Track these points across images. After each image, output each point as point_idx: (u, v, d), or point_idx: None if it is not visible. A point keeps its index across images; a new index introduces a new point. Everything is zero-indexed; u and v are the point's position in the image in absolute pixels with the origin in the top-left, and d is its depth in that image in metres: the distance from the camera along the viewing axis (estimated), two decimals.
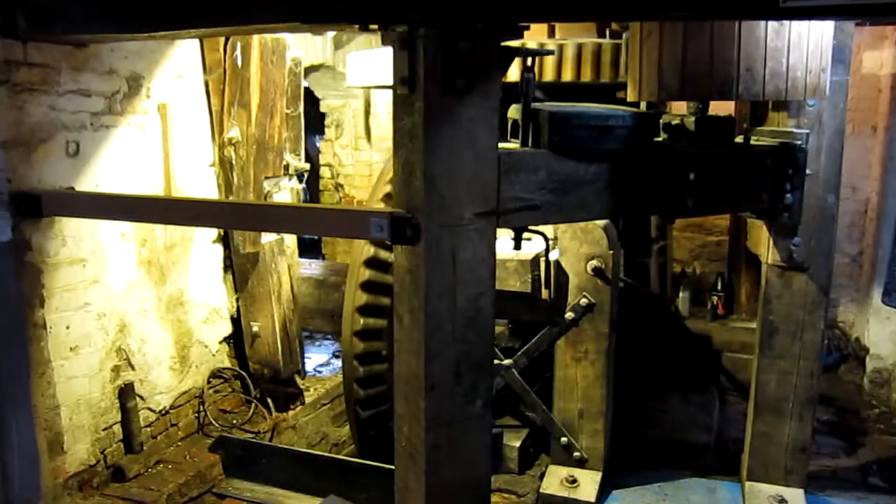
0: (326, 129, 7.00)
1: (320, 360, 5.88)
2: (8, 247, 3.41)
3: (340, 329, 4.44)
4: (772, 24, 2.98)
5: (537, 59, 3.74)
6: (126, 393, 4.04)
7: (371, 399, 4.31)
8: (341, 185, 6.99)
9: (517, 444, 4.39)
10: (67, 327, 3.69)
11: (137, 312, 4.10)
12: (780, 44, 2.98)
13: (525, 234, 3.12)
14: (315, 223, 2.94)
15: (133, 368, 4.09)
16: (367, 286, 4.14)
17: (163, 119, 4.10)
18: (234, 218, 3.15)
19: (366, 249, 4.11)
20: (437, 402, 2.77)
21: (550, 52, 3.14)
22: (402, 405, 2.92)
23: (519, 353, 4.17)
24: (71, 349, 3.73)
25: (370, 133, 6.82)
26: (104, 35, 3.45)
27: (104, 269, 3.86)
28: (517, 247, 3.10)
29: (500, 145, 2.74)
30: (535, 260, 3.87)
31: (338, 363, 5.78)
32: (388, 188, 3.97)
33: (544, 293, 3.93)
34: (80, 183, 3.69)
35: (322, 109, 6.95)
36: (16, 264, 3.44)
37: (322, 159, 7.10)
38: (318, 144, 7.31)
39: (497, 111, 2.69)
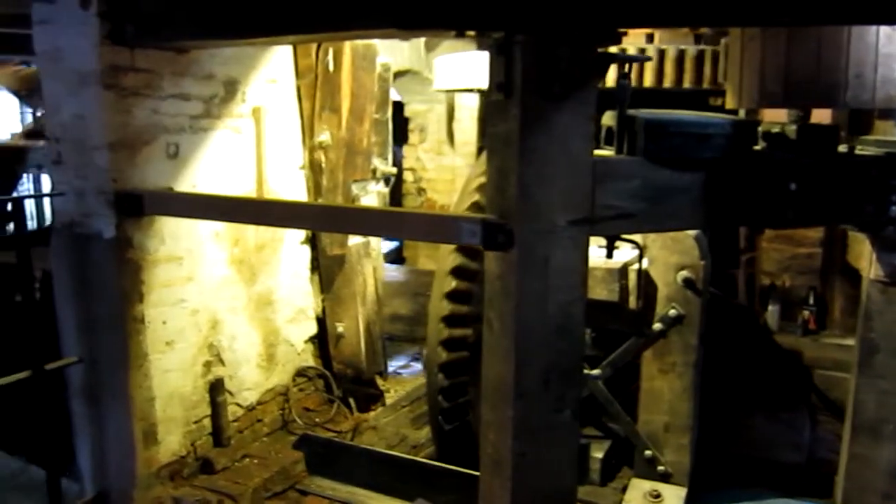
0: (410, 134, 7.07)
1: (400, 361, 5.93)
2: (111, 244, 3.57)
3: (421, 332, 4.46)
4: (884, 28, 2.85)
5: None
6: (216, 388, 4.16)
7: (453, 409, 4.30)
8: (423, 190, 7.04)
9: (600, 455, 4.32)
10: (164, 322, 3.83)
11: (228, 310, 4.21)
12: (892, 49, 2.85)
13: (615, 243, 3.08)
14: (407, 227, 2.96)
15: (223, 364, 4.21)
16: (452, 296, 4.14)
17: (256, 122, 4.21)
18: (327, 220, 3.20)
19: (451, 258, 4.12)
20: (524, 410, 2.76)
21: (648, 59, 3.10)
22: (489, 412, 2.91)
23: (604, 362, 4.10)
24: (166, 343, 3.86)
25: (453, 138, 6.85)
26: (206, 42, 3.57)
27: (199, 267, 3.99)
28: (609, 255, 3.06)
29: (595, 152, 2.71)
30: (624, 269, 3.81)
31: (418, 365, 5.83)
32: (476, 195, 3.97)
33: (632, 302, 3.86)
34: (178, 183, 3.82)
35: (406, 114, 7.02)
36: (118, 261, 3.60)
37: (405, 163, 7.17)
38: (400, 149, 7.38)
39: (593, 118, 2.66)
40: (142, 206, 3.53)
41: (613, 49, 2.73)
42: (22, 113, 10.56)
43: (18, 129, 9.80)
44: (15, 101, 10.35)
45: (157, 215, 3.66)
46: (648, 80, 3.79)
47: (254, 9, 3.02)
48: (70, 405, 3.98)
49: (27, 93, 4.97)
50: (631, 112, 2.90)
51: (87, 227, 3.63)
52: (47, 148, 3.74)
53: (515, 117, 2.55)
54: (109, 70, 3.45)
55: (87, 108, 3.50)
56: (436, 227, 2.85)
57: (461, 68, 4.22)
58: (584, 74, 2.59)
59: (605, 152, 2.93)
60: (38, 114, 4.99)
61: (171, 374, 3.91)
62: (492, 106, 2.68)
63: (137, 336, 3.70)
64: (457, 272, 4.15)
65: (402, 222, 2.95)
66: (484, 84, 4.14)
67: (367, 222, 3.05)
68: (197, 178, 3.92)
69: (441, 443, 4.46)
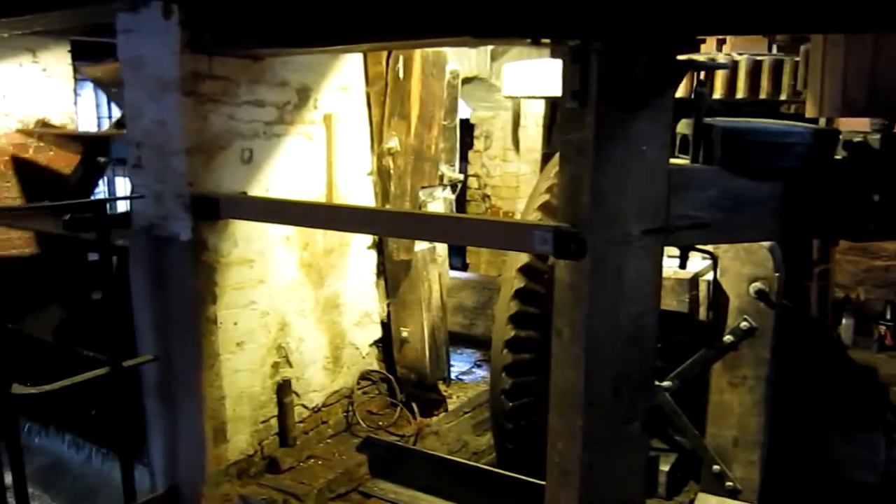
0: (475, 141, 7.09)
1: (462, 368, 5.94)
2: (187, 246, 3.67)
3: (484, 339, 4.45)
4: None
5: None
6: (283, 389, 4.23)
7: (517, 410, 4.29)
8: (488, 196, 7.05)
9: (666, 468, 4.25)
10: (235, 323, 3.91)
11: (297, 312, 4.28)
12: None
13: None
14: (478, 234, 2.97)
15: (291, 366, 4.28)
16: (520, 295, 4.12)
17: (327, 129, 4.28)
18: (399, 226, 3.24)
19: (521, 257, 4.11)
20: (594, 420, 2.74)
21: (726, 66, 3.05)
22: (557, 420, 2.90)
23: (672, 374, 4.04)
24: (237, 344, 3.95)
25: (518, 144, 6.85)
26: (281, 49, 3.65)
27: (269, 269, 4.07)
28: (682, 265, 3.02)
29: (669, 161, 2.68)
30: (694, 279, 3.74)
31: (480, 372, 5.82)
32: (546, 196, 3.95)
33: (702, 314, 3.79)
34: (251, 188, 3.91)
35: (471, 121, 7.04)
36: (193, 263, 3.69)
37: (470, 170, 7.19)
38: (465, 155, 7.41)
39: (669, 126, 2.63)
40: (217, 209, 3.62)
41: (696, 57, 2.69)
42: (97, 106, 10.96)
43: (94, 122, 10.20)
44: (93, 96, 10.78)
45: (231, 219, 3.75)
46: (720, 90, 3.73)
47: (329, 18, 3.07)
48: (144, 401, 4.10)
49: (116, 90, 5.14)
50: (707, 120, 2.86)
51: (165, 230, 3.73)
52: (128, 151, 3.86)
53: (590, 125, 2.53)
54: (189, 77, 3.55)
55: (167, 114, 3.61)
56: (507, 234, 2.85)
57: (531, 76, 4.21)
58: (661, 82, 2.56)
59: (680, 161, 2.90)
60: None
61: (240, 375, 4.00)
62: (566, 114, 2.67)
63: (210, 336, 3.80)
64: (525, 271, 4.13)
65: (473, 229, 2.96)
66: (555, 92, 4.14)
67: (439, 229, 3.06)
68: (269, 182, 4.00)
69: (503, 445, 4.44)
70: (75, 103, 6.59)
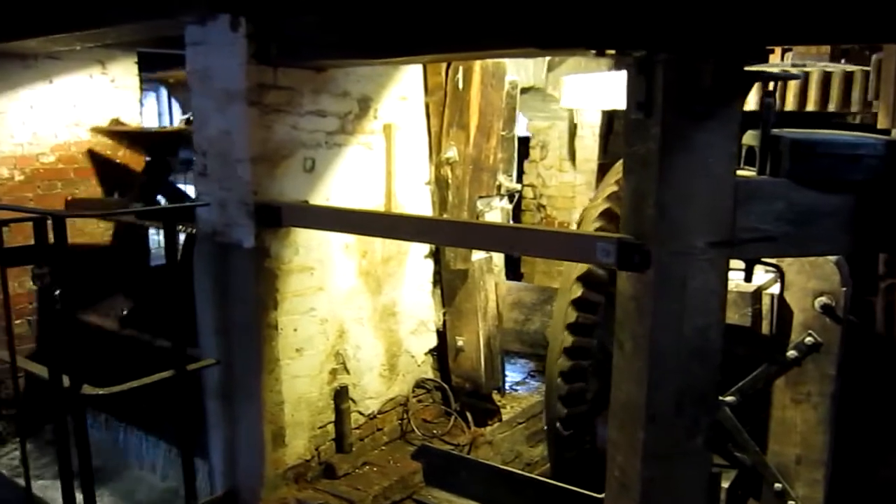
0: (531, 151, 7.09)
1: (516, 378, 5.92)
2: (250, 253, 3.75)
3: (538, 349, 4.44)
4: None
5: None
6: (341, 395, 4.28)
7: (572, 418, 4.25)
8: (543, 206, 7.04)
9: (726, 484, 4.17)
10: (295, 330, 3.97)
11: (354, 320, 4.33)
12: None
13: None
14: (540, 245, 2.96)
15: (348, 372, 4.33)
16: (578, 303, 4.09)
17: (387, 139, 4.32)
18: (460, 236, 3.25)
19: (580, 266, 4.08)
20: (656, 434, 2.70)
21: (797, 77, 2.99)
22: (618, 433, 2.87)
23: (733, 389, 3.96)
24: (296, 350, 4.01)
25: (575, 155, 6.82)
26: (345, 61, 3.71)
27: (328, 277, 4.12)
28: (748, 279, 2.96)
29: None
30: (757, 292, 3.67)
31: (534, 383, 5.80)
32: (608, 203, 3.92)
33: (765, 328, 3.72)
34: (313, 196, 3.97)
35: (528, 131, 7.04)
36: (256, 269, 3.77)
37: (525, 180, 7.18)
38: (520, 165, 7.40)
39: (736, 138, 2.60)
40: (280, 217, 3.69)
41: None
42: (159, 115, 11.31)
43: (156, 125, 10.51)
44: (156, 105, 11.12)
45: (293, 227, 3.81)
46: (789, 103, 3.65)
47: (395, 30, 3.11)
48: (205, 404, 4.18)
49: (185, 96, 5.29)
50: (775, 131, 2.81)
51: (229, 237, 3.82)
52: (194, 159, 3.96)
53: (655, 136, 2.51)
54: (254, 88, 3.64)
55: (232, 123, 3.70)
56: (569, 245, 2.84)
57: (590, 88, 4.19)
58: (729, 93, 2.53)
59: (746, 173, 2.85)
60: (191, 117, 5.35)
61: (299, 380, 4.06)
62: (630, 125, 2.65)
63: (271, 342, 3.86)
64: (583, 279, 4.09)
65: (535, 240, 2.96)
66: (613, 104, 4.12)
67: (501, 239, 3.07)
68: (330, 191, 4.06)
69: (557, 453, 4.40)
70: (141, 113, 6.80)
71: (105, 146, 6.29)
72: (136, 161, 6.32)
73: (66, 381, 3.45)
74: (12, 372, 3.60)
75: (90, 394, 3.52)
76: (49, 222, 3.36)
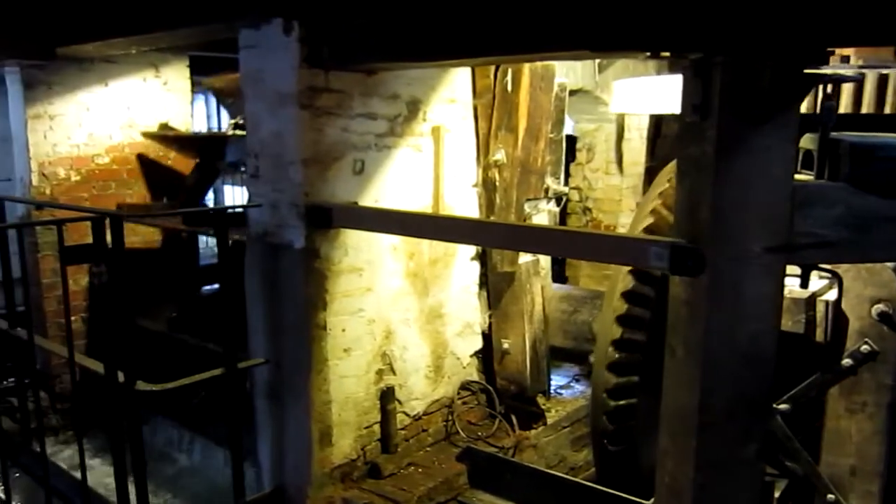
0: (577, 153, 7.05)
1: (561, 381, 5.89)
2: (301, 254, 3.79)
3: (583, 352, 4.40)
4: None
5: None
6: (387, 396, 4.30)
7: (619, 432, 4.21)
8: (589, 209, 6.99)
9: (777, 493, 4.10)
10: (343, 330, 4.01)
11: (401, 321, 4.35)
12: None
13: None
14: (591, 248, 2.95)
15: (394, 373, 4.35)
16: (623, 320, 4.05)
17: (435, 141, 4.34)
18: (510, 238, 3.25)
19: (624, 282, 4.04)
20: (708, 441, 2.67)
21: (857, 79, 2.92)
22: (669, 440, 2.84)
23: (785, 397, 3.89)
24: (344, 350, 4.05)
25: (622, 158, 6.77)
26: (396, 64, 3.73)
27: (377, 278, 4.15)
28: (804, 285, 2.91)
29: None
30: (811, 299, 3.60)
31: (578, 387, 5.76)
32: (657, 201, 3.88)
33: (819, 335, 3.64)
34: (362, 198, 4.01)
35: (574, 133, 7.00)
36: (306, 270, 3.81)
37: (571, 182, 7.14)
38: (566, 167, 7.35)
39: (795, 141, 2.55)
40: (330, 218, 3.73)
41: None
42: (208, 117, 11.49)
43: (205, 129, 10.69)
44: (204, 108, 11.32)
45: (343, 228, 3.85)
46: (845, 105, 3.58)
47: (447, 34, 3.13)
48: (254, 402, 4.24)
49: (232, 100, 5.40)
50: (834, 135, 2.76)
51: (280, 238, 3.87)
52: (247, 161, 4.03)
53: (711, 140, 2.49)
54: (306, 91, 3.68)
55: (284, 126, 3.75)
56: (621, 248, 2.82)
57: (641, 92, 4.15)
58: (788, 96, 2.49)
59: (803, 177, 2.80)
60: (239, 121, 5.46)
61: (346, 380, 4.09)
62: (685, 128, 2.62)
63: (320, 342, 3.91)
64: (628, 296, 4.05)
65: (585, 243, 2.95)
66: (665, 109, 4.08)
67: (552, 242, 3.06)
68: (379, 193, 4.09)
69: (603, 454, 4.35)
70: (191, 115, 6.94)
71: (155, 150, 6.43)
72: (183, 165, 6.45)
73: (120, 377, 3.53)
74: (70, 367, 3.68)
75: (144, 390, 3.60)
76: (107, 222, 3.43)
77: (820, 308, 3.65)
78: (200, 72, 6.89)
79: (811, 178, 2.79)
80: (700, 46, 2.47)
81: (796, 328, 3.66)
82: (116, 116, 6.20)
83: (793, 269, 3.33)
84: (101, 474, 4.94)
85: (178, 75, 6.55)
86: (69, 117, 5.96)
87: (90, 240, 5.54)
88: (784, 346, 3.78)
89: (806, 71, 2.51)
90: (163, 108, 6.44)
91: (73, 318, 5.81)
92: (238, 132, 5.54)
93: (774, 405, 3.85)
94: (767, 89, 2.45)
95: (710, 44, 2.45)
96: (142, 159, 6.38)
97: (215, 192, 9.73)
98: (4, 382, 5.81)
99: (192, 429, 5.55)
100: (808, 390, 3.86)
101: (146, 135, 6.28)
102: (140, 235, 6.33)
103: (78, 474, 3.93)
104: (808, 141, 2.84)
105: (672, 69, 2.76)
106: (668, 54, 2.65)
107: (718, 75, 2.45)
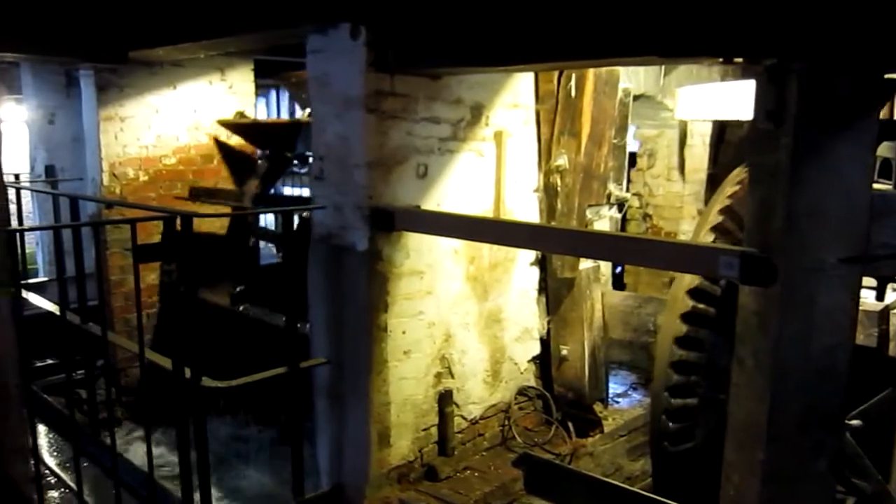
0: (638, 159, 6.98)
1: (618, 390, 5.83)
2: (364, 256, 3.83)
3: (641, 360, 4.35)
4: None
5: None
6: (445, 399, 4.32)
7: (679, 434, 4.15)
8: (649, 216, 6.91)
9: None
10: (403, 332, 4.04)
11: (461, 325, 4.36)
12: None
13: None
14: (658, 256, 2.91)
15: (452, 377, 4.36)
16: (688, 317, 3.99)
17: (498, 146, 4.34)
18: (574, 244, 3.23)
19: (689, 279, 3.98)
20: (777, 455, 2.62)
21: None
22: (735, 452, 2.79)
23: (856, 412, 3.78)
24: (404, 352, 4.07)
25: (684, 164, 6.68)
26: (461, 69, 3.75)
27: (437, 281, 4.17)
28: (880, 297, 2.83)
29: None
30: (885, 312, 3.49)
31: (636, 396, 5.70)
32: (728, 201, 3.82)
33: (892, 349, 3.53)
34: (425, 202, 4.03)
35: (636, 139, 6.93)
36: (368, 272, 3.85)
37: (631, 188, 7.07)
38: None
39: (872, 149, 2.49)
40: (393, 221, 3.76)
41: None
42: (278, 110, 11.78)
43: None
44: (265, 111, 11.56)
45: (405, 231, 3.87)
46: None
47: (514, 39, 3.13)
48: (314, 401, 4.30)
49: (306, 95, 5.52)
50: None
51: (343, 240, 3.92)
52: (312, 163, 4.09)
53: (786, 147, 2.44)
54: (372, 95, 3.72)
55: (350, 129, 3.79)
56: (690, 256, 2.78)
57: (706, 99, 4.10)
58: (866, 102, 2.44)
59: (881, 186, 2.73)
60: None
61: (405, 382, 4.12)
62: (758, 135, 2.58)
63: (380, 343, 3.94)
64: (694, 293, 3.99)
65: (653, 250, 2.91)
66: (731, 115, 4.02)
67: (617, 248, 3.04)
68: (441, 197, 4.11)
69: (661, 468, 4.29)
70: (255, 117, 7.07)
71: (227, 139, 6.59)
72: (254, 152, 6.60)
73: (187, 372, 3.62)
74: (140, 363, 3.79)
75: (209, 386, 3.68)
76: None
77: (894, 321, 3.54)
78: (263, 75, 7.03)
79: (889, 187, 2.72)
80: (775, 52, 2.43)
81: (868, 342, 3.57)
82: (183, 118, 6.36)
83: (868, 281, 3.25)
84: (163, 465, 5.06)
85: (242, 78, 6.68)
86: (139, 119, 6.13)
87: (157, 238, 5.73)
88: (855, 360, 3.68)
89: (886, 77, 2.45)
90: (228, 110, 6.58)
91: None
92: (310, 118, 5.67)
93: (845, 420, 3.75)
94: (845, 96, 2.40)
95: (786, 49, 2.41)
96: (218, 144, 6.54)
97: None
98: (74, 375, 6.00)
99: (251, 425, 5.65)
100: (879, 406, 3.76)
101: (222, 122, 6.43)
102: (207, 222, 6.48)
103: (137, 463, 4.06)
104: (886, 149, 2.77)
105: (744, 75, 2.72)
106: (740, 60, 2.61)
107: (794, 81, 2.40)
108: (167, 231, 3.47)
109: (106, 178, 6.04)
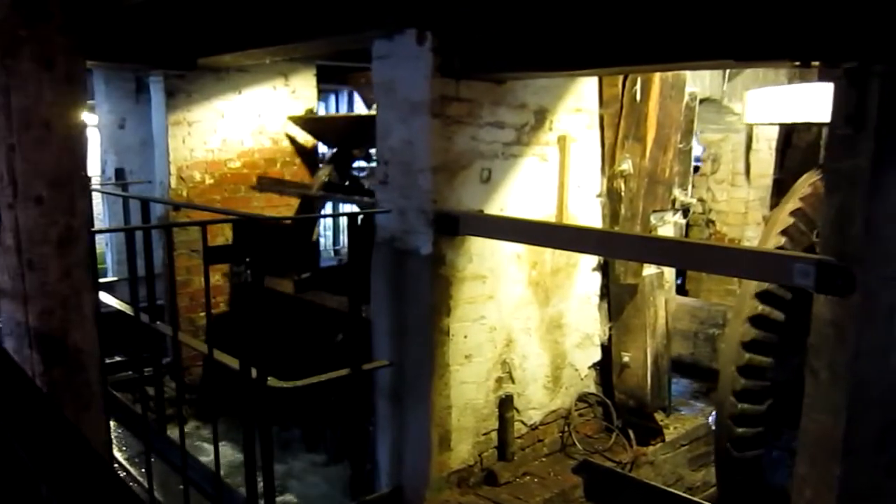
0: (701, 164, 6.86)
1: (679, 398, 5.73)
2: (427, 260, 3.86)
3: (703, 368, 4.26)
4: None
5: None
6: (505, 404, 4.31)
7: (745, 440, 4.06)
8: (712, 222, 6.78)
9: None
10: (465, 336, 4.05)
11: (522, 330, 4.35)
12: None
13: None
14: (728, 263, 2.86)
15: (513, 382, 4.35)
16: (755, 321, 3.91)
17: (561, 150, 4.32)
18: (641, 250, 3.20)
19: (750, 306, 3.90)
20: (853, 470, 2.54)
21: None
22: (808, 467, 2.72)
23: None
24: (465, 357, 4.08)
25: (749, 169, 6.54)
26: (526, 73, 3.74)
27: (499, 286, 4.17)
28: None
29: None
30: None
31: (698, 404, 5.60)
32: (800, 203, 3.74)
33: None
34: (488, 206, 4.04)
35: (699, 143, 6.81)
36: (431, 276, 3.87)
37: (694, 194, 6.94)
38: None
39: None
40: (457, 226, 3.77)
41: None
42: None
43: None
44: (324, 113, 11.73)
45: (468, 236, 3.88)
46: None
47: (581, 43, 3.11)
48: (375, 403, 4.33)
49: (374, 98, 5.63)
50: None
51: (406, 244, 3.95)
52: (376, 168, 4.13)
53: (867, 152, 2.38)
54: (438, 100, 3.74)
55: (415, 134, 3.82)
56: (762, 264, 2.73)
57: (774, 101, 4.01)
58: None
59: None
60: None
61: (466, 386, 4.13)
62: (836, 140, 2.52)
63: (442, 347, 3.96)
64: (763, 296, 3.90)
65: (723, 257, 2.86)
66: (801, 117, 3.92)
67: (686, 255, 2.99)
68: (504, 201, 4.11)
69: (726, 475, 4.21)
70: None
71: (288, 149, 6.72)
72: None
73: (253, 372, 3.68)
74: (209, 363, 3.87)
75: (275, 386, 3.74)
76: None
77: None
78: (324, 79, 7.13)
79: None
80: (855, 55, 2.37)
81: None
82: (248, 123, 6.48)
83: None
84: (225, 461, 5.16)
85: (305, 83, 6.78)
86: (205, 124, 6.27)
87: (221, 240, 5.85)
88: None
89: None
90: (290, 114, 6.69)
91: (202, 313, 6.16)
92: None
93: None
94: None
95: (867, 52, 2.35)
96: (291, 140, 6.68)
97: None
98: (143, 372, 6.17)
99: (311, 425, 5.72)
100: None
101: (293, 118, 6.54)
102: (273, 209, 6.62)
103: (202, 458, 4.15)
104: None
105: (821, 78, 2.65)
106: (819, 63, 2.55)
107: (876, 85, 2.34)
108: (237, 234, 3.54)
109: (173, 181, 6.19)
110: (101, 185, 7.60)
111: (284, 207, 6.66)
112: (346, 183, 6.17)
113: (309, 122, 6.53)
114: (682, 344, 5.02)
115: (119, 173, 7.02)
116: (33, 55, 2.22)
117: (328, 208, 7.41)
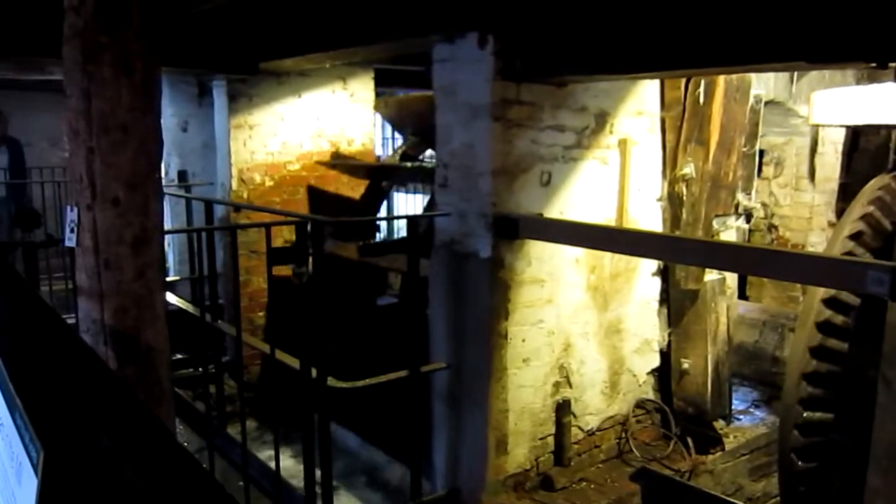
0: (764, 167, 6.72)
1: (739, 407, 5.62)
2: (486, 263, 3.86)
3: (764, 376, 4.17)
4: None
5: None
6: (562, 408, 4.29)
7: (810, 449, 3.97)
8: (775, 227, 6.64)
9: None
10: (523, 340, 4.04)
11: (580, 335, 4.33)
12: None
13: None
14: (797, 269, 2.80)
15: (571, 387, 4.33)
16: (823, 327, 3.81)
17: (622, 154, 4.29)
18: (707, 255, 3.15)
19: (817, 311, 3.80)
20: None
21: None
22: (879, 479, 2.65)
23: None
24: (523, 360, 4.07)
25: (814, 173, 6.38)
26: (588, 76, 3.72)
27: (558, 290, 4.15)
28: None
29: None
30: None
31: (758, 413, 5.49)
32: (870, 207, 3.64)
33: None
34: (547, 210, 4.02)
35: (761, 146, 6.68)
36: (490, 279, 3.87)
37: (756, 198, 6.81)
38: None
39: None
40: (517, 229, 3.77)
41: None
42: (382, 126, 12.00)
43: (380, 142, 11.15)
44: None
45: (528, 239, 3.88)
46: None
47: (645, 46, 3.08)
48: (432, 405, 4.35)
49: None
50: None
51: (466, 246, 3.96)
52: (436, 171, 4.15)
53: None
54: (499, 103, 3.75)
55: (476, 137, 3.83)
56: (833, 271, 2.66)
57: (843, 103, 3.91)
58: None
59: None
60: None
61: (524, 390, 4.12)
62: None
63: (500, 350, 3.95)
64: (831, 302, 3.81)
65: (792, 263, 2.80)
66: (870, 118, 3.82)
67: (753, 261, 2.94)
68: (564, 205, 4.09)
69: (789, 485, 4.11)
70: (374, 124, 7.24)
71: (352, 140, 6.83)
72: (354, 186, 6.80)
73: (313, 372, 3.74)
74: (270, 362, 3.94)
75: (334, 386, 3.79)
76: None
77: None
78: (381, 83, 7.20)
79: None
80: None
81: None
82: (307, 126, 6.57)
83: None
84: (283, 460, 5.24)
85: (363, 87, 6.85)
86: (266, 127, 6.39)
87: (279, 242, 5.95)
88: None
89: None
90: (348, 119, 6.77)
91: (261, 313, 6.27)
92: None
93: None
94: None
95: None
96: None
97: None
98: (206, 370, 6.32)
99: (366, 426, 5.77)
100: None
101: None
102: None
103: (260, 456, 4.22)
104: None
105: None
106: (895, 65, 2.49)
107: None
108: (300, 235, 3.60)
109: (234, 183, 6.32)
110: (165, 186, 7.79)
111: (350, 191, 6.79)
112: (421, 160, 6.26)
113: (391, 106, 6.62)
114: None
115: (182, 175, 7.21)
116: (113, 61, 2.28)
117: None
